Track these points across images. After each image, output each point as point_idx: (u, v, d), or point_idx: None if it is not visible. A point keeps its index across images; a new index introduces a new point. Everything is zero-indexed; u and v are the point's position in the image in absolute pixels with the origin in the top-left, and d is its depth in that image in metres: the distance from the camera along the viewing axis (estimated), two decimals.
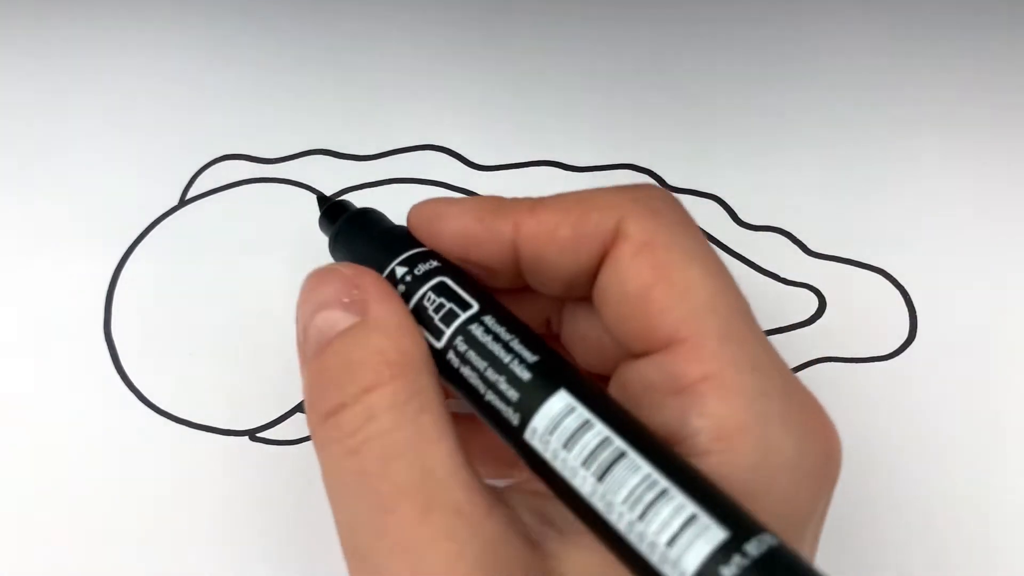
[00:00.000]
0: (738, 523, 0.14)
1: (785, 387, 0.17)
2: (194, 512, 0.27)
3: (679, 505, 0.15)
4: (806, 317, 0.31)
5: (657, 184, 0.20)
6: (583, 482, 0.16)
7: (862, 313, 0.31)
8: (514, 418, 0.17)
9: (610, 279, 0.18)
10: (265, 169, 0.32)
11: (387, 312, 0.18)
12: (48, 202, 0.31)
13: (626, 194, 0.19)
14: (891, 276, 0.31)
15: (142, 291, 0.30)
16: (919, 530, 0.28)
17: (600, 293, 0.19)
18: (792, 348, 0.30)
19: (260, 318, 0.29)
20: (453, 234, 0.19)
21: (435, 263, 0.20)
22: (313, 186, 0.32)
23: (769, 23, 0.35)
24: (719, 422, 0.16)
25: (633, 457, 0.15)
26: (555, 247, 0.19)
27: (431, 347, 0.19)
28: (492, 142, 0.33)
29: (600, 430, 0.16)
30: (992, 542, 0.28)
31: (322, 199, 0.25)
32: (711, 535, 0.14)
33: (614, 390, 0.19)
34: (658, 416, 0.17)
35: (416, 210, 0.20)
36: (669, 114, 0.33)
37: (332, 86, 0.33)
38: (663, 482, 0.15)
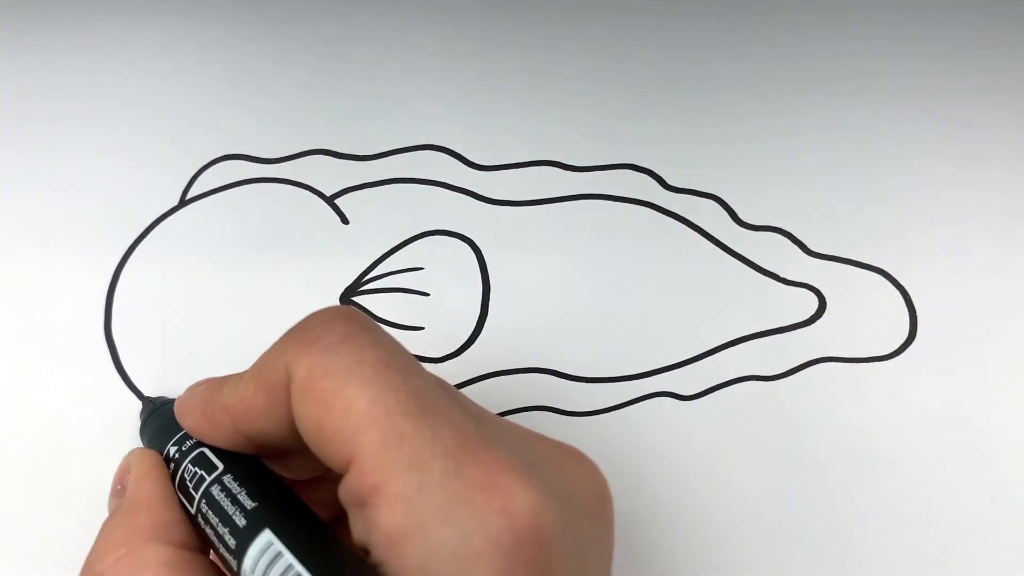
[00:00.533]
0: None
1: (450, 471, 0.17)
2: None
3: None
4: (806, 317, 0.31)
5: (342, 313, 0.20)
6: None
7: (862, 313, 0.31)
8: (234, 564, 0.19)
9: (297, 423, 0.19)
10: (265, 169, 0.32)
11: (133, 494, 0.22)
12: (48, 202, 0.31)
13: (289, 336, 0.20)
14: (891, 276, 0.31)
15: (142, 291, 0.30)
16: (919, 529, 0.28)
17: (303, 437, 0.20)
18: (792, 348, 0.30)
19: (260, 318, 0.30)
20: (192, 430, 0.22)
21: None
22: (313, 186, 0.32)
23: (769, 24, 0.35)
24: (386, 531, 0.17)
25: None
26: (259, 418, 0.20)
27: (189, 515, 0.21)
28: (492, 142, 0.33)
29: (285, 560, 0.18)
30: (992, 541, 0.28)
31: (145, 405, 0.27)
32: None
33: None
34: (358, 532, 0.18)
35: (175, 410, 0.23)
36: (669, 114, 0.33)
37: (332, 86, 0.33)
38: None
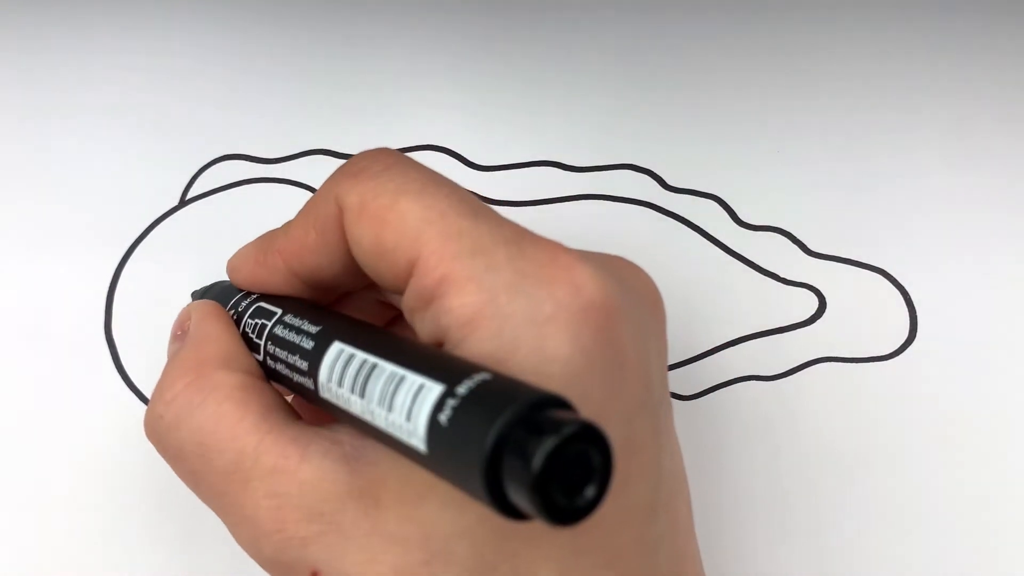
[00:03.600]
0: (453, 375, 0.16)
1: (514, 253, 0.18)
2: (194, 511, 0.27)
3: (410, 384, 0.16)
4: (806, 317, 0.31)
5: (384, 150, 0.21)
6: (355, 405, 0.18)
7: (862, 313, 0.31)
8: (310, 383, 0.19)
9: (354, 250, 0.20)
10: (265, 169, 0.32)
11: (197, 331, 0.22)
12: (48, 202, 0.31)
13: (336, 173, 0.21)
14: (891, 276, 0.31)
15: (142, 291, 0.30)
16: (919, 529, 0.28)
17: (360, 264, 0.20)
18: (792, 348, 0.30)
19: None
20: (247, 281, 0.23)
21: (256, 295, 0.23)
22: (313, 186, 0.32)
23: (769, 24, 0.35)
24: (458, 312, 0.18)
25: (381, 364, 0.17)
26: (312, 254, 0.21)
27: (260, 364, 0.22)
28: (492, 142, 0.33)
29: (358, 358, 0.18)
30: (993, 541, 0.28)
31: (194, 295, 0.27)
32: (431, 395, 0.16)
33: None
34: (425, 332, 0.19)
35: (227, 267, 0.24)
36: (669, 114, 0.33)
37: (332, 86, 0.33)
38: (400, 372, 0.17)
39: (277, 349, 0.21)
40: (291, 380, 0.20)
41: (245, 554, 0.27)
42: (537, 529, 0.15)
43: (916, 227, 0.32)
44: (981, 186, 0.33)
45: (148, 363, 0.29)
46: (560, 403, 0.15)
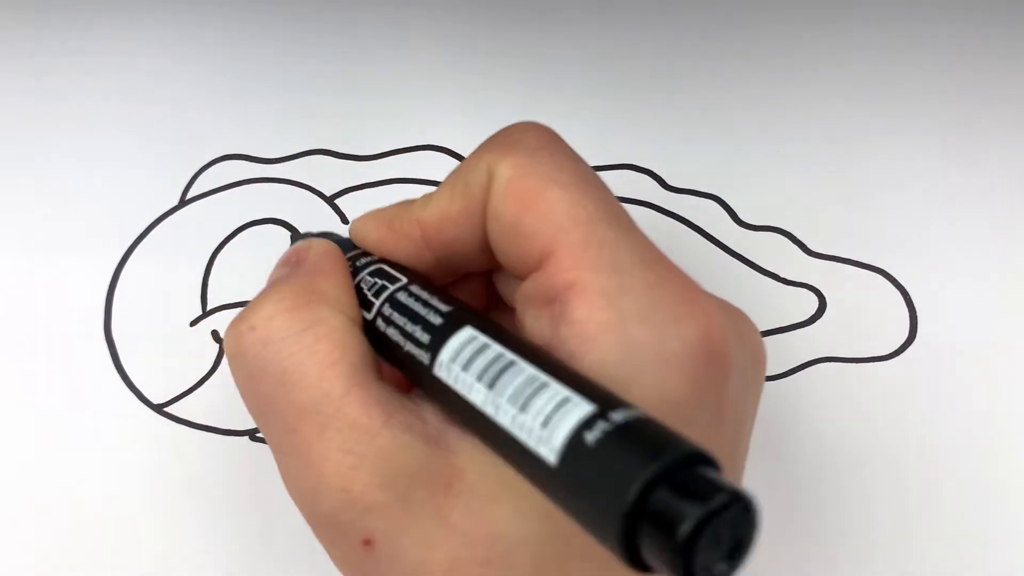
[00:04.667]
0: (605, 400, 0.15)
1: (651, 280, 0.18)
2: (194, 512, 0.27)
3: (554, 392, 0.16)
4: (806, 317, 0.31)
5: (540, 126, 0.21)
6: (477, 393, 0.17)
7: (862, 313, 0.31)
8: (425, 357, 0.19)
9: (491, 222, 0.20)
10: (265, 169, 0.32)
11: (316, 262, 0.21)
12: (48, 202, 0.31)
13: (491, 141, 0.20)
14: (891, 276, 0.31)
15: (142, 291, 0.30)
16: (919, 529, 0.28)
17: (491, 238, 0.20)
18: (792, 348, 0.30)
19: None
20: (375, 245, 0.22)
21: (377, 257, 0.22)
22: (313, 186, 0.32)
23: (768, 24, 0.35)
24: (582, 326, 0.17)
25: (520, 364, 0.17)
26: (451, 223, 0.20)
27: (365, 320, 0.21)
28: None
29: (494, 348, 0.18)
30: (993, 541, 0.28)
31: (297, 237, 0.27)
32: (579, 411, 0.15)
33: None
34: (536, 329, 0.19)
35: (351, 227, 0.23)
36: (669, 114, 0.33)
37: (332, 86, 0.33)
38: (543, 377, 0.16)
39: (395, 314, 0.20)
40: (400, 348, 0.19)
41: (246, 554, 0.27)
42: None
43: (916, 227, 0.32)
44: (981, 186, 0.33)
45: (148, 363, 0.29)
46: (708, 462, 0.14)
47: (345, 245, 0.23)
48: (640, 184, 0.32)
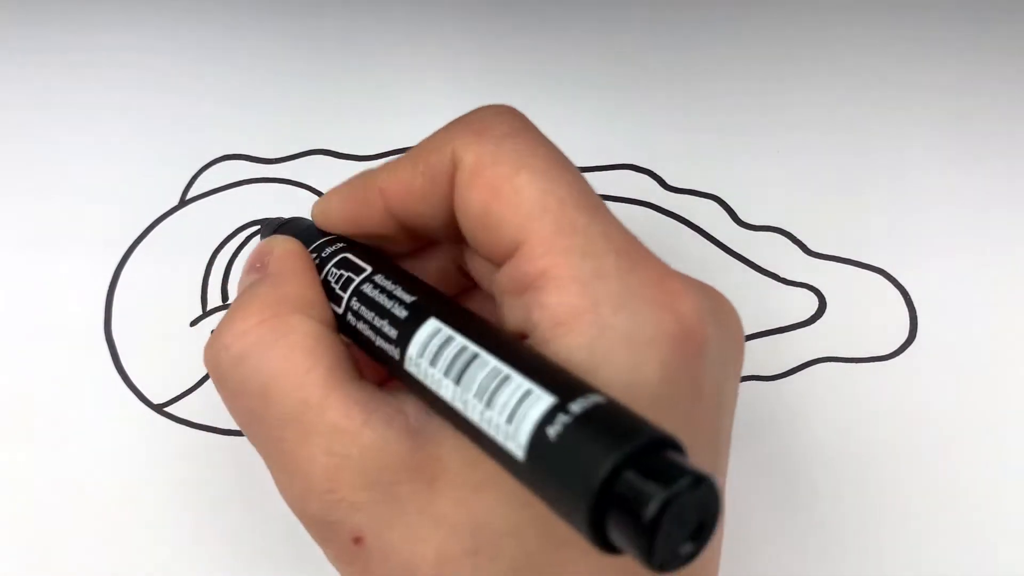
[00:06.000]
0: (566, 389, 0.15)
1: (624, 266, 0.18)
2: (194, 511, 0.27)
3: (517, 385, 0.16)
4: (806, 317, 0.31)
5: (508, 110, 0.21)
6: (447, 389, 0.17)
7: (862, 313, 0.31)
8: (395, 353, 0.19)
9: (458, 210, 0.19)
10: (265, 169, 0.32)
11: (280, 267, 0.21)
12: (48, 202, 0.31)
13: (458, 124, 0.20)
14: (891, 276, 0.31)
15: (142, 291, 0.30)
16: (919, 529, 0.28)
17: (460, 225, 0.20)
18: (792, 348, 0.30)
19: None
20: (339, 220, 0.22)
21: (341, 244, 0.22)
22: (313, 186, 0.32)
23: (769, 24, 0.35)
24: (554, 311, 0.17)
25: (484, 356, 0.17)
26: (415, 199, 0.20)
27: (336, 315, 0.21)
28: None
29: (458, 342, 0.17)
30: (993, 541, 0.28)
31: (265, 226, 0.26)
32: (541, 403, 0.15)
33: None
34: (512, 317, 0.19)
35: (314, 207, 0.23)
36: (669, 114, 0.33)
37: (332, 86, 0.33)
38: (505, 370, 0.16)
39: (363, 307, 0.20)
40: (371, 343, 0.20)
41: (246, 554, 0.27)
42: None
43: (916, 227, 0.32)
44: (981, 186, 0.33)
45: (148, 363, 0.29)
46: (674, 445, 0.14)
47: (311, 232, 0.23)
48: (640, 184, 0.32)
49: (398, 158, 0.21)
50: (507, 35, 0.35)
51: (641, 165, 0.33)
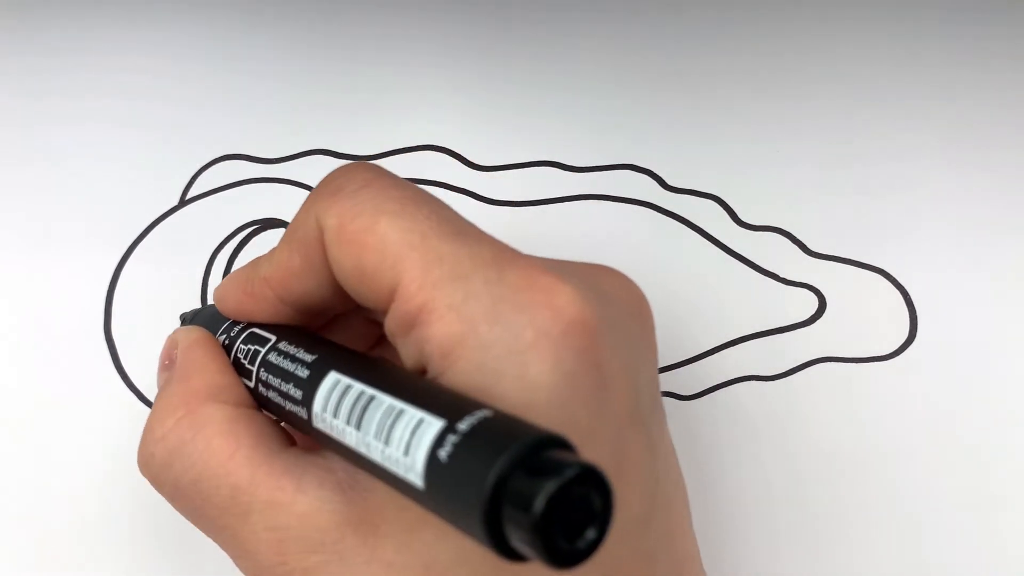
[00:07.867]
0: (455, 411, 0.15)
1: (491, 278, 0.18)
2: None
3: (410, 417, 0.16)
4: (806, 317, 0.31)
5: (359, 165, 0.21)
6: (351, 436, 0.17)
7: (862, 313, 0.31)
8: (303, 412, 0.19)
9: (335, 272, 0.20)
10: (265, 169, 0.32)
11: (184, 361, 0.22)
12: (48, 202, 0.31)
13: (315, 192, 0.20)
14: (891, 276, 0.31)
15: (142, 291, 0.30)
16: (919, 529, 0.28)
17: (342, 284, 0.20)
18: (792, 348, 0.30)
19: None
20: (234, 312, 0.23)
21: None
22: (313, 186, 0.32)
23: (768, 24, 0.35)
24: (439, 342, 0.18)
25: (379, 397, 0.17)
26: (297, 279, 0.21)
27: (250, 390, 0.21)
28: (492, 142, 0.33)
29: (356, 388, 0.18)
30: (993, 541, 0.28)
31: (183, 319, 0.27)
32: (432, 429, 0.15)
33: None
34: (407, 357, 0.19)
35: (214, 295, 0.23)
36: (669, 114, 0.33)
37: (332, 86, 0.33)
38: (399, 405, 0.17)
39: (270, 376, 0.20)
40: (283, 409, 0.20)
41: None
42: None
43: (916, 227, 0.32)
44: (981, 186, 0.33)
45: (148, 363, 0.29)
46: (561, 443, 0.15)
47: (222, 316, 0.24)
48: (640, 184, 0.32)
49: (276, 245, 0.22)
50: (507, 35, 0.35)
51: (641, 165, 0.33)
